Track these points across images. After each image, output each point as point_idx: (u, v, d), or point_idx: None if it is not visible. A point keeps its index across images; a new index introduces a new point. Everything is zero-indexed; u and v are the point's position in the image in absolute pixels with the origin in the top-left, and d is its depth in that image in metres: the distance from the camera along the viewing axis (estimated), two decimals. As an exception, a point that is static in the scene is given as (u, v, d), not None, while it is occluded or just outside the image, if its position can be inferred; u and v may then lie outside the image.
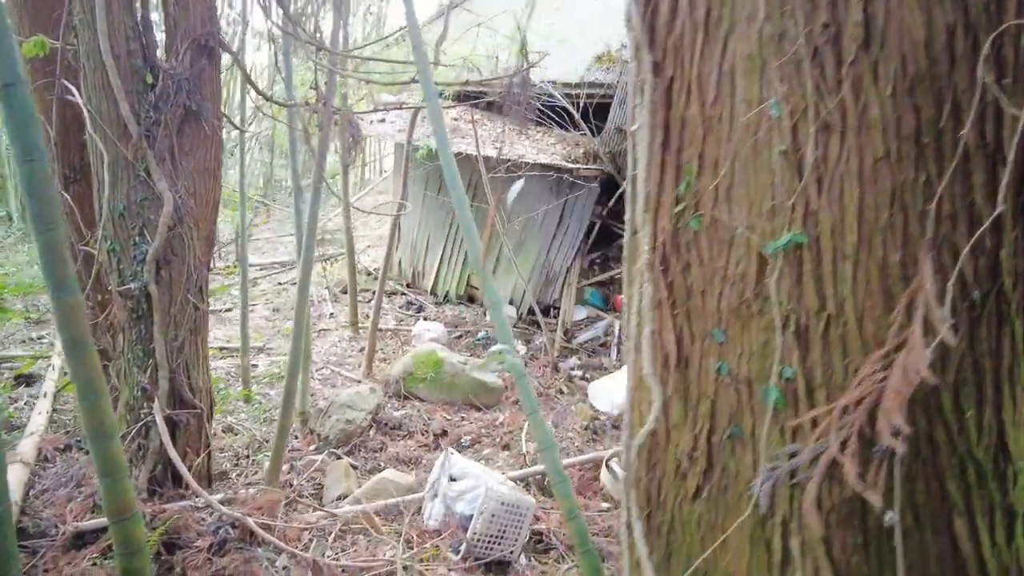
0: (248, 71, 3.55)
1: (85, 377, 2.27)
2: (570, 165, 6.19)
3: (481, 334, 6.56)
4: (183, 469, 3.00)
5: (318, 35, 3.73)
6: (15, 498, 2.98)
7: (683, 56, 1.29)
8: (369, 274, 8.57)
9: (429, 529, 3.49)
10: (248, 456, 4.58)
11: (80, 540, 2.91)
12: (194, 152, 3.30)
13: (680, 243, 1.35)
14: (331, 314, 7.24)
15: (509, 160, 5.96)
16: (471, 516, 3.30)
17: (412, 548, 3.27)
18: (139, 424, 3.16)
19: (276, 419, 5.20)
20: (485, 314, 7.17)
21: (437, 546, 3.26)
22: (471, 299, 7.46)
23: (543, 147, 6.74)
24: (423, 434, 4.85)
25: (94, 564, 2.75)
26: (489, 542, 3.23)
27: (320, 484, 4.31)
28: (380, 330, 6.83)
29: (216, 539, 2.93)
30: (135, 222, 3.14)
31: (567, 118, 6.80)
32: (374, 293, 6.30)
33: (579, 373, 5.75)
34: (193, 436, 3.33)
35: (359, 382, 5.67)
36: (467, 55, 5.75)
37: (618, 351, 6.04)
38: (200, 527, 2.99)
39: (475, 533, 3.18)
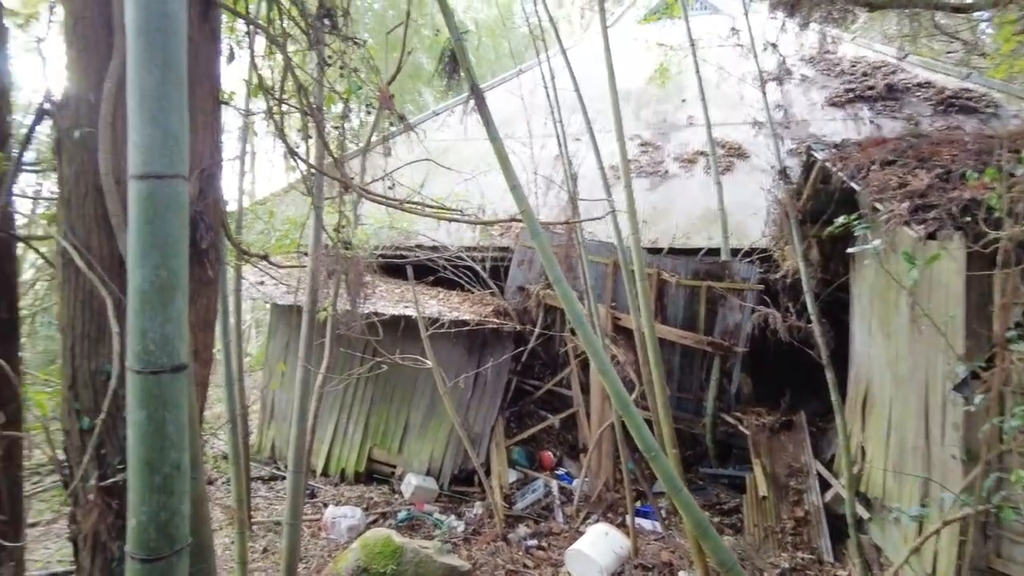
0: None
1: None
2: (496, 322, 6.12)
3: (402, 514, 5.73)
4: None
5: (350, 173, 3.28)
6: None
7: None
8: (224, 458, 7.22)
9: None
10: None
11: None
12: (195, 300, 2.62)
13: None
14: (201, 515, 5.79)
15: (437, 319, 5.71)
16: None
17: None
18: None
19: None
20: (394, 491, 6.34)
21: None
22: (372, 476, 6.58)
23: (452, 305, 6.61)
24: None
25: None
26: None
27: None
28: (263, 522, 5.65)
29: None
30: (123, 390, 2.30)
31: (472, 278, 6.85)
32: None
33: (534, 543, 5.23)
34: None
35: (284, 595, 4.48)
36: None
37: (563, 513, 5.68)
38: None
39: None
